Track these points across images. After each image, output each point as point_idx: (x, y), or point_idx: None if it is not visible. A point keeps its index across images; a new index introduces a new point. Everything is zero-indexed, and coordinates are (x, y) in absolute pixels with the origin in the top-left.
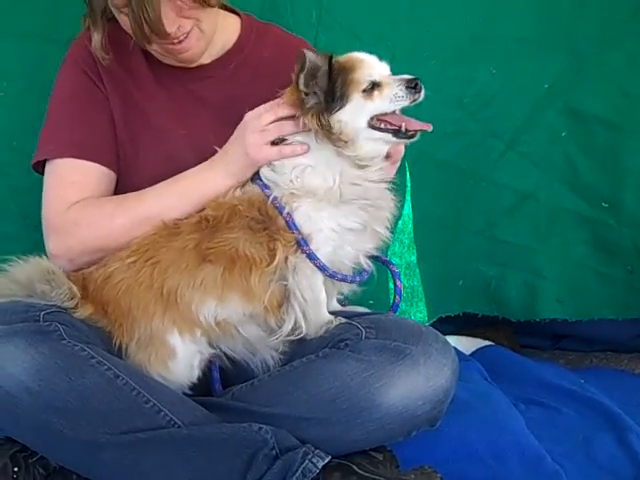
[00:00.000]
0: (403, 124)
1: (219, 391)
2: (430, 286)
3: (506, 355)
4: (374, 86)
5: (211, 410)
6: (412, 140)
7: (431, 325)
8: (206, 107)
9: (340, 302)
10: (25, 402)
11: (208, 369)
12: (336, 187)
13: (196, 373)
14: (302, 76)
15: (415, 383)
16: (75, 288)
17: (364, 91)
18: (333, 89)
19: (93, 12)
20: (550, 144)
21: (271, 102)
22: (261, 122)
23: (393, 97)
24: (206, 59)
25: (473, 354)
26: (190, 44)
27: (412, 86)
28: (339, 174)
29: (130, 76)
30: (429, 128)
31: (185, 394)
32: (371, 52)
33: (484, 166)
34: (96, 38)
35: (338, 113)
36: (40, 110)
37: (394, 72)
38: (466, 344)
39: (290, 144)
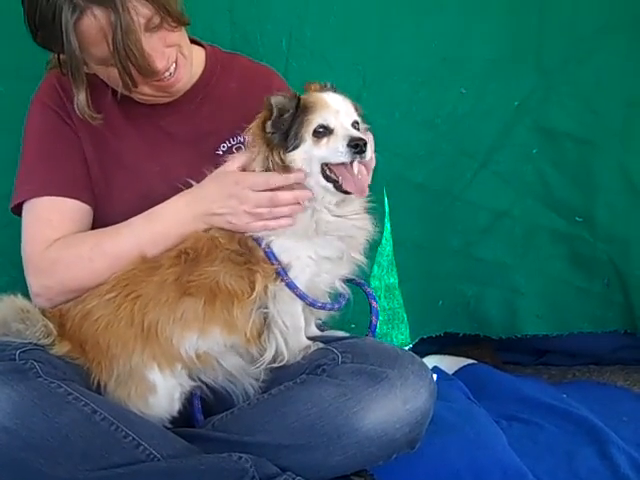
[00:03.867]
0: (340, 178)
1: (201, 421)
2: (410, 307)
3: (488, 372)
4: (326, 132)
5: (192, 441)
6: (349, 195)
7: (413, 345)
8: (176, 142)
9: (319, 327)
10: (2, 441)
11: (189, 400)
12: (311, 222)
13: (177, 406)
14: (269, 122)
15: (392, 406)
16: (51, 325)
17: (315, 134)
18: (290, 128)
19: (75, 72)
20: (522, 161)
21: (270, 176)
22: (260, 202)
23: (334, 150)
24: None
25: (456, 373)
26: (180, 74)
27: (353, 145)
28: (313, 210)
29: (99, 115)
30: (362, 195)
31: (166, 426)
32: (342, 78)
33: (458, 186)
34: (81, 98)
35: (292, 152)
36: (12, 148)
37: (366, 96)
38: (449, 363)
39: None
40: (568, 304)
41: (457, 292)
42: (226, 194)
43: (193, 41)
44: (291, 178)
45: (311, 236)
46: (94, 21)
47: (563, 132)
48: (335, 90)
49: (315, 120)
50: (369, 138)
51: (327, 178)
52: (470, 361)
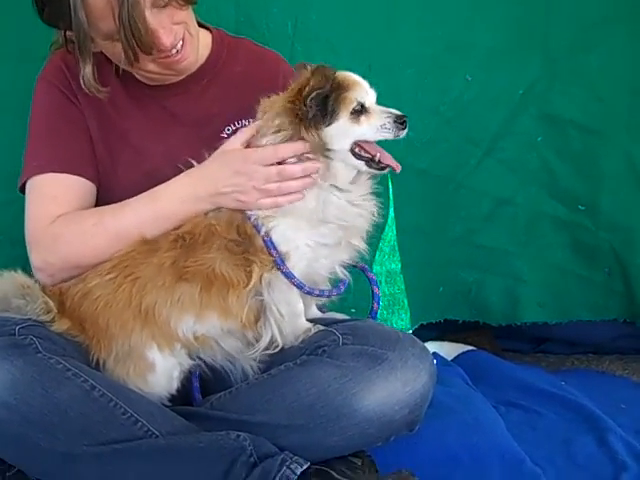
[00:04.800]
0: (378, 154)
1: (199, 400)
2: (411, 293)
3: (487, 359)
4: (362, 110)
5: (190, 420)
6: (382, 172)
7: (413, 332)
8: (181, 123)
9: (320, 309)
10: (1, 416)
11: (188, 379)
12: (317, 208)
13: (175, 385)
14: (315, 94)
15: (392, 388)
16: (51, 302)
17: (353, 112)
18: (326, 104)
19: (82, 46)
20: (526, 149)
21: (278, 147)
22: (269, 177)
23: (380, 127)
24: (180, 76)
25: (455, 359)
26: (187, 52)
27: (400, 122)
28: (321, 195)
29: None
30: (398, 169)
31: (164, 404)
32: (348, 63)
33: (462, 173)
34: (87, 71)
35: (327, 128)
36: (15, 128)
37: (371, 82)
38: (448, 349)
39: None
40: (569, 292)
41: (458, 279)
42: (233, 172)
43: (200, 24)
44: (300, 148)
45: (315, 224)
46: None
47: (568, 120)
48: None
49: (353, 98)
50: None
51: (358, 156)
52: (469, 347)
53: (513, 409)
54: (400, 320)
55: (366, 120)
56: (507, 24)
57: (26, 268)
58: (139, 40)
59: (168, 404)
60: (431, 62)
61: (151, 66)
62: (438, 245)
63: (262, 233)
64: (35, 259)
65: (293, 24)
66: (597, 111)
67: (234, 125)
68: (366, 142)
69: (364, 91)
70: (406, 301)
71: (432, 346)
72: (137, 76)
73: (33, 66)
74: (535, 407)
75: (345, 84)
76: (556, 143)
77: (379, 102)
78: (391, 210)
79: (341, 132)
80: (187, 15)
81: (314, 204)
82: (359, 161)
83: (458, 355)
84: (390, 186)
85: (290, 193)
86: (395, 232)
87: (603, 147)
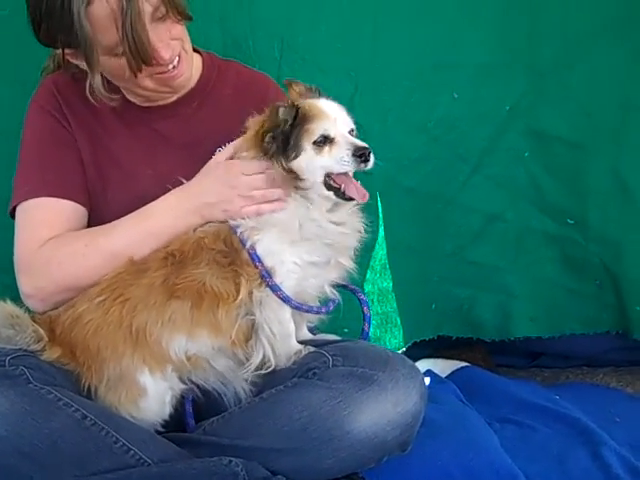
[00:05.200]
0: (342, 186)
1: (192, 425)
2: (403, 311)
3: (481, 375)
4: (326, 141)
5: (183, 446)
6: (350, 202)
7: (407, 349)
8: (171, 146)
9: (311, 330)
10: None
11: (181, 404)
12: (297, 225)
13: (168, 410)
14: (270, 134)
15: (383, 409)
16: (41, 331)
17: (315, 143)
18: (289, 138)
19: (89, 56)
20: (514, 165)
21: (257, 161)
22: (251, 184)
23: (339, 159)
24: (171, 98)
25: (449, 376)
26: (183, 68)
27: (358, 155)
28: (301, 213)
29: (95, 118)
30: (362, 199)
31: (158, 431)
32: (335, 83)
33: (451, 190)
34: (97, 80)
35: (293, 162)
36: (5, 153)
37: (358, 102)
38: (442, 366)
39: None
40: (561, 306)
41: (450, 295)
42: (218, 183)
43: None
44: None
45: (296, 240)
46: (105, 6)
47: (555, 135)
48: (321, 93)
49: (316, 130)
50: None
51: (328, 187)
52: (463, 364)
53: (507, 425)
54: (393, 338)
55: (329, 152)
56: (492, 41)
57: (14, 298)
58: (142, 51)
59: (161, 430)
60: (418, 80)
61: (148, 82)
62: (429, 262)
63: (247, 246)
64: (25, 285)
65: (279, 46)
66: (583, 126)
67: (224, 147)
68: (343, 172)
69: (330, 122)
70: (399, 319)
71: (426, 363)
72: (129, 97)
73: (25, 90)
74: (529, 422)
75: (309, 115)
76: (543, 158)
77: (366, 121)
78: (381, 229)
79: (309, 163)
80: (183, 31)
81: (293, 220)
82: (329, 192)
83: (452, 372)
84: (379, 204)
85: (274, 201)
86: (386, 250)
87: (590, 161)
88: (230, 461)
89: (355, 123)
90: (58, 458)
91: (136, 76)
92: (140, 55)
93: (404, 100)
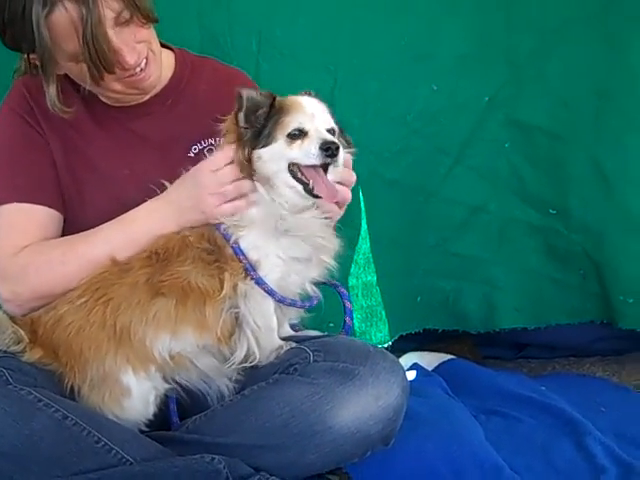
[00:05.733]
0: (311, 182)
1: (176, 424)
2: (389, 304)
3: (467, 367)
4: (300, 134)
5: (166, 444)
6: (319, 200)
7: (393, 343)
8: (147, 145)
9: (293, 327)
10: None
11: (165, 403)
12: (273, 220)
13: (152, 410)
14: (241, 114)
15: (365, 403)
16: (22, 332)
17: (289, 136)
18: (264, 127)
19: (46, 66)
20: (495, 156)
21: (225, 150)
22: (219, 179)
23: (307, 153)
24: (143, 98)
25: (436, 369)
26: (151, 70)
27: (324, 148)
28: (275, 208)
29: (68, 121)
30: (330, 200)
31: (142, 430)
32: (313, 77)
33: (433, 182)
34: (52, 92)
35: (260, 150)
36: None
37: (338, 95)
38: (429, 359)
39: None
40: (545, 296)
41: (435, 288)
42: (190, 185)
43: (162, 45)
44: None
45: (277, 235)
46: (65, 14)
47: (534, 125)
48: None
49: (291, 123)
50: (347, 156)
51: (297, 179)
52: (450, 357)
53: (493, 417)
54: (379, 332)
55: (299, 145)
56: (470, 33)
57: None
58: (103, 59)
59: (146, 429)
60: (397, 73)
61: (116, 85)
62: (413, 255)
63: (231, 242)
64: (3, 290)
65: (257, 41)
66: (562, 115)
67: (200, 144)
68: (310, 166)
69: (306, 116)
70: (384, 313)
71: (413, 357)
72: (102, 98)
73: None
74: (515, 413)
75: (286, 108)
76: (524, 148)
77: (345, 115)
78: (363, 222)
79: (275, 155)
80: (149, 34)
81: (269, 216)
82: (297, 184)
83: (439, 365)
84: (361, 198)
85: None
86: (369, 244)
87: (569, 151)
88: (212, 458)
89: (335, 117)
90: (39, 459)
91: (102, 81)
92: (102, 63)
93: (383, 93)
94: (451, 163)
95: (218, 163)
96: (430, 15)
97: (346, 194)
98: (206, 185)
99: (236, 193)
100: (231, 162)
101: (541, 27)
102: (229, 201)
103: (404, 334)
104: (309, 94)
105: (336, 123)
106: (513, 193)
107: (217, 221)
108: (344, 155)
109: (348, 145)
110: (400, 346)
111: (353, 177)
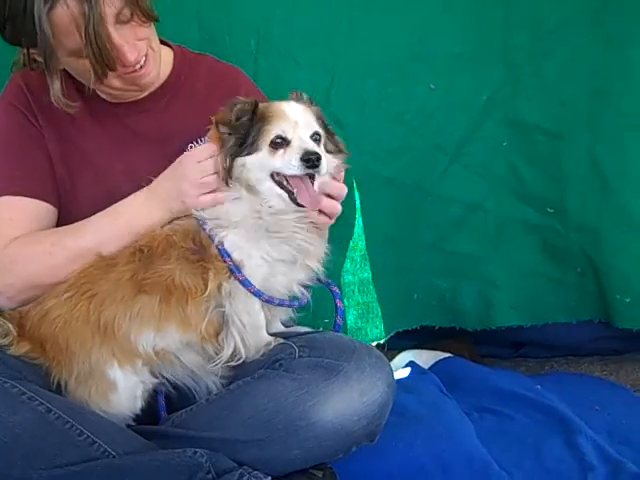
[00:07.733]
0: (295, 190)
1: (164, 418)
2: (385, 301)
3: (463, 366)
4: (283, 142)
5: (152, 439)
6: (302, 209)
7: (390, 340)
8: (142, 141)
9: (284, 324)
10: None
11: (154, 398)
12: (254, 218)
13: (139, 404)
14: (225, 126)
15: (349, 399)
16: (10, 326)
17: (271, 145)
18: (248, 135)
19: (49, 62)
20: (493, 154)
21: (208, 145)
22: (201, 171)
23: (287, 162)
24: (141, 94)
25: (432, 367)
26: (150, 67)
27: (305, 159)
28: (255, 210)
29: (65, 114)
30: (315, 208)
31: (129, 424)
32: (311, 75)
33: (430, 180)
34: (56, 87)
35: (245, 158)
36: None
37: (335, 94)
38: (425, 357)
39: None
40: (542, 295)
41: (432, 285)
42: (175, 175)
43: (161, 42)
44: None
45: (258, 236)
46: (67, 11)
47: (532, 124)
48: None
49: (273, 131)
50: (337, 163)
51: (282, 187)
52: (446, 355)
53: (486, 414)
54: (375, 328)
55: (282, 155)
56: (468, 31)
57: None
58: (105, 56)
59: (133, 424)
60: (394, 71)
61: (116, 82)
62: (410, 253)
63: (216, 242)
64: None
65: (255, 40)
66: (559, 114)
67: (197, 142)
68: (294, 176)
69: (289, 124)
70: (379, 309)
71: (409, 355)
72: (99, 94)
73: None
74: (508, 412)
75: (268, 116)
76: (522, 147)
77: (342, 113)
78: (359, 219)
79: (258, 163)
80: (149, 31)
81: (249, 217)
82: (282, 192)
83: (435, 363)
84: (357, 196)
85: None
86: (365, 241)
87: (567, 149)
88: (195, 452)
89: (327, 119)
90: (22, 452)
91: (105, 77)
92: (104, 61)
93: (381, 91)
94: (448, 161)
95: (202, 155)
96: (428, 14)
97: (334, 207)
98: (188, 175)
99: (216, 185)
100: (215, 155)
101: (539, 26)
102: (210, 192)
103: (402, 332)
104: (298, 95)
105: (328, 125)
106: (510, 191)
107: (197, 213)
108: (332, 162)
109: (339, 150)
110: (400, 344)
111: (344, 190)
